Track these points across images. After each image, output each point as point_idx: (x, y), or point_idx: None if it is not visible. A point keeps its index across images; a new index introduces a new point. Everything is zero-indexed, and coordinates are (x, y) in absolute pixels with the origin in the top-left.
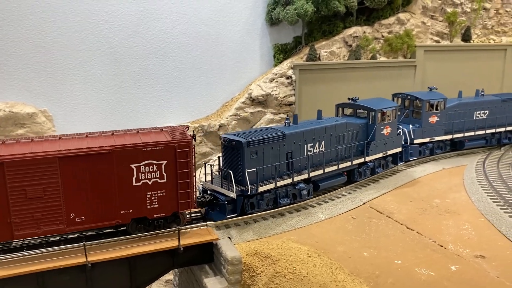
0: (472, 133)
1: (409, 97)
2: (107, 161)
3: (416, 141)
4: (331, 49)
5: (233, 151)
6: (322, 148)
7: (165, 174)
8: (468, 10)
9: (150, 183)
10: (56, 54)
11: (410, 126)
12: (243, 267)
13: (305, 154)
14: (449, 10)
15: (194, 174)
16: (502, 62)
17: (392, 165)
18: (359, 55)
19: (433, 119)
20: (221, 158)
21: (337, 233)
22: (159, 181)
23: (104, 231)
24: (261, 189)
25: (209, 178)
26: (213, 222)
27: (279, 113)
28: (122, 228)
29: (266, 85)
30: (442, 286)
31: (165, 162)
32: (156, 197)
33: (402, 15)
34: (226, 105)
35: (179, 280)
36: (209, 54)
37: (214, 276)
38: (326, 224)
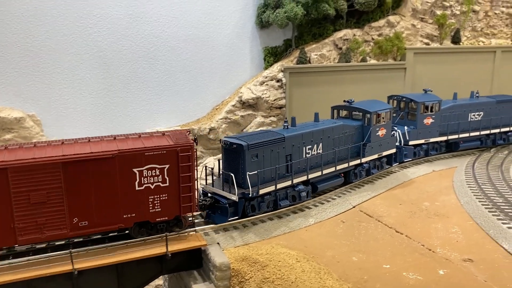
0: (466, 135)
1: (404, 99)
2: (110, 165)
3: (411, 143)
4: (321, 52)
5: (234, 154)
6: (320, 150)
7: (167, 178)
8: (458, 12)
9: (152, 187)
10: (44, 58)
11: (405, 127)
12: (232, 273)
13: (304, 156)
14: (438, 12)
15: (196, 177)
16: (491, 64)
17: (387, 166)
18: (349, 58)
19: (428, 120)
20: (221, 161)
21: (326, 237)
22: (162, 185)
23: (92, 238)
24: (262, 191)
25: (209, 181)
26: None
27: (270, 116)
28: (110, 235)
29: (256, 88)
30: None
31: (167, 166)
32: (158, 201)
33: (392, 18)
34: (216, 109)
35: (169, 285)
36: (199, 57)
37: (202, 282)
38: (316, 228)
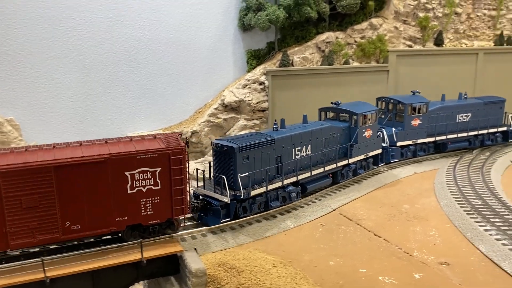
0: (454, 136)
1: (392, 100)
2: (102, 169)
3: (398, 144)
4: (304, 55)
5: (225, 156)
6: (308, 151)
7: (159, 181)
8: (440, 15)
9: (144, 190)
10: (22, 62)
11: (393, 129)
12: (208, 279)
13: (293, 158)
14: (421, 15)
15: (187, 180)
16: (474, 66)
17: (374, 167)
18: (332, 61)
19: (416, 122)
20: (212, 163)
21: (305, 241)
22: (154, 188)
23: (67, 244)
24: (253, 193)
25: (200, 183)
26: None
27: (253, 119)
28: (85, 241)
29: (239, 91)
30: None
31: (159, 169)
32: (150, 204)
33: (374, 20)
34: (199, 112)
35: None
36: (181, 60)
37: None
38: (295, 232)
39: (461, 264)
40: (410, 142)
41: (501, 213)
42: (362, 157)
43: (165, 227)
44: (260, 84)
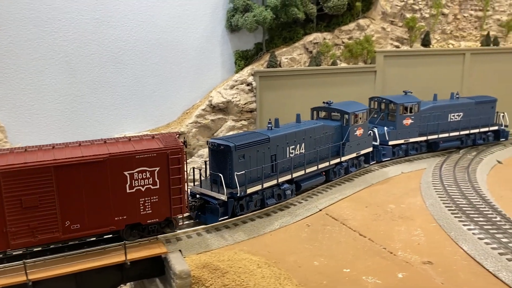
0: (446, 135)
1: (384, 100)
2: (101, 169)
3: (390, 143)
4: (292, 56)
5: (221, 155)
6: (302, 149)
7: (157, 181)
8: (427, 15)
9: (143, 189)
10: (8, 63)
11: (385, 128)
12: (192, 280)
13: (288, 156)
14: (408, 15)
15: (185, 179)
16: (461, 66)
17: (365, 165)
18: (320, 62)
19: (407, 121)
20: (208, 162)
21: (290, 242)
22: (152, 187)
23: (51, 247)
24: (249, 191)
25: (197, 182)
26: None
27: (240, 120)
28: (70, 243)
29: (226, 92)
30: None
31: (157, 168)
32: (149, 203)
33: (362, 21)
34: (187, 113)
35: None
36: (168, 61)
37: None
38: (280, 233)
39: (444, 263)
40: (402, 141)
41: (484, 212)
42: (354, 155)
43: (164, 226)
44: (248, 85)
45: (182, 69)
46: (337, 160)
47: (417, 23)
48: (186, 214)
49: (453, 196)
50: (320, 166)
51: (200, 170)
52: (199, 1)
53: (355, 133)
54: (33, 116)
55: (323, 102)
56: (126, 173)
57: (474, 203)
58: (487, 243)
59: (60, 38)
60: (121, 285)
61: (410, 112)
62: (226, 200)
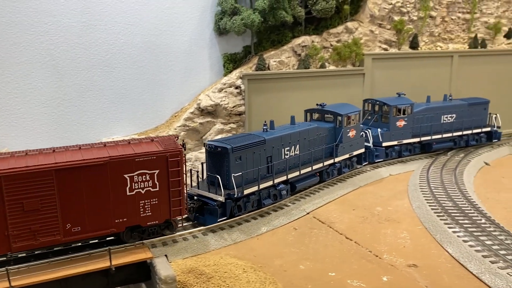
0: (439, 136)
1: (378, 102)
2: (101, 172)
3: (384, 144)
4: (280, 59)
5: (218, 157)
6: (297, 151)
7: (157, 183)
8: (415, 18)
9: (143, 192)
10: None
11: (379, 129)
12: (178, 285)
13: (283, 158)
14: (396, 18)
15: (185, 181)
16: (449, 68)
17: (358, 166)
18: (308, 64)
19: (401, 123)
20: (205, 164)
21: (276, 246)
22: (152, 189)
23: (36, 253)
24: (246, 192)
25: (194, 184)
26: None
27: (229, 123)
28: (55, 249)
29: (215, 95)
30: None
31: (157, 171)
32: (149, 205)
33: (350, 24)
34: (175, 116)
35: None
36: (157, 64)
37: None
38: (267, 237)
39: (429, 266)
40: (395, 143)
41: (470, 214)
42: (347, 156)
43: (163, 228)
44: (236, 88)
45: (170, 72)
46: (331, 161)
47: (405, 26)
48: (184, 216)
49: (439, 199)
50: (315, 167)
51: (197, 171)
52: (187, 4)
53: (348, 135)
54: (19, 120)
55: (317, 104)
56: (126, 176)
57: (460, 205)
58: (471, 246)
59: (47, 42)
60: None
61: (404, 114)
62: (224, 201)
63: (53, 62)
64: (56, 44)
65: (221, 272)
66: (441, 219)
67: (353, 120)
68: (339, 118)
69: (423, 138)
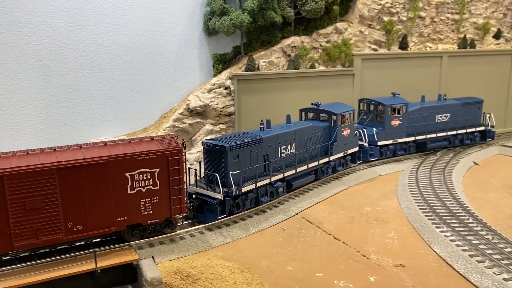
0: (434, 135)
1: (373, 102)
2: (103, 170)
3: (379, 143)
4: (270, 59)
5: (216, 155)
6: (293, 149)
7: (158, 182)
8: (404, 18)
9: (144, 190)
10: None
11: (374, 129)
12: (164, 287)
13: (279, 156)
14: (385, 19)
15: (185, 180)
16: (438, 69)
17: (352, 164)
18: (298, 65)
19: (396, 122)
20: (203, 162)
21: (264, 247)
22: (153, 188)
23: (20, 255)
24: (244, 189)
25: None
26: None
27: (219, 123)
28: (40, 251)
29: (204, 96)
30: None
31: (158, 170)
32: (150, 204)
33: (339, 25)
34: (164, 117)
35: None
36: (146, 65)
37: None
38: (255, 238)
39: (416, 266)
40: (390, 142)
41: (457, 214)
42: (341, 154)
43: (164, 226)
44: (226, 88)
45: (159, 73)
46: (326, 160)
47: (395, 26)
48: (183, 215)
49: (428, 199)
50: (310, 165)
51: (195, 170)
52: (176, 5)
53: (343, 133)
54: (6, 121)
55: (312, 104)
56: (127, 174)
57: (448, 205)
58: (458, 245)
59: (34, 42)
60: None
61: (398, 113)
62: (222, 198)
63: (40, 63)
64: (43, 44)
65: (207, 274)
66: (429, 219)
67: (347, 119)
68: (334, 117)
69: (418, 137)
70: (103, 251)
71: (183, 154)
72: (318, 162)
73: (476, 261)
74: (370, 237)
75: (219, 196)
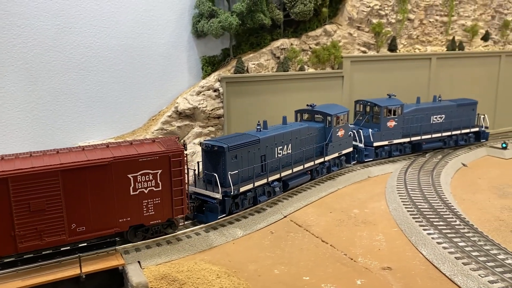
0: (429, 136)
1: (369, 103)
2: (106, 172)
3: (375, 144)
4: (259, 61)
5: (215, 156)
6: (289, 150)
7: (160, 183)
8: (393, 21)
9: (146, 191)
10: None
11: (370, 130)
12: None
13: (276, 156)
14: (374, 21)
15: (186, 181)
16: (427, 70)
17: (347, 165)
18: (287, 67)
19: (391, 123)
20: (201, 163)
21: (252, 250)
22: (155, 189)
23: (5, 261)
24: (242, 189)
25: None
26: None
27: (208, 126)
28: (25, 257)
29: (193, 98)
30: None
31: (160, 171)
32: (152, 205)
33: (329, 27)
34: (153, 119)
35: None
36: (134, 67)
37: None
38: (243, 241)
39: (403, 268)
40: (386, 143)
41: (444, 216)
42: (336, 155)
43: (166, 227)
44: (215, 91)
45: (148, 75)
46: (321, 160)
47: (384, 29)
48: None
49: (415, 201)
50: (306, 165)
51: (194, 170)
52: (165, 7)
53: (337, 134)
54: None
55: (307, 105)
56: (130, 175)
57: (436, 207)
58: (445, 248)
59: (20, 45)
60: None
61: (394, 114)
62: (221, 198)
63: (26, 66)
64: (30, 47)
65: (194, 278)
66: (416, 221)
67: (341, 120)
68: (329, 118)
69: (413, 138)
70: (89, 256)
71: (185, 155)
72: (314, 162)
73: (462, 263)
74: (358, 240)
75: (218, 196)
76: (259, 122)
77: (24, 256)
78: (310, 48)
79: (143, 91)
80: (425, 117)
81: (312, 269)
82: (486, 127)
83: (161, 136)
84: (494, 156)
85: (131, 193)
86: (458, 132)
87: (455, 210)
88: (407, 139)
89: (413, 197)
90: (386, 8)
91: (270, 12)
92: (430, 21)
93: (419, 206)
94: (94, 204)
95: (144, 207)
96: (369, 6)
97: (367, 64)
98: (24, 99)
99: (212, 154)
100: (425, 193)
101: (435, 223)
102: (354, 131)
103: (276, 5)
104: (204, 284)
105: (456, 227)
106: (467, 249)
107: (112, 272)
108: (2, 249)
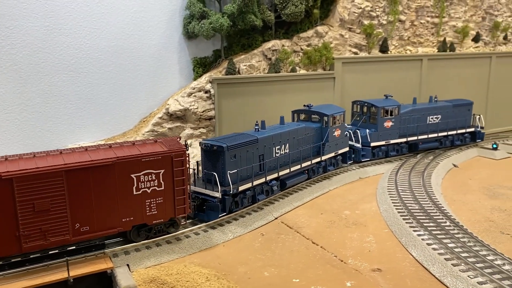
0: (425, 136)
1: (366, 104)
2: (109, 172)
3: (372, 144)
4: (251, 63)
5: (214, 155)
6: (287, 149)
7: (162, 182)
8: (385, 22)
9: (149, 191)
10: None
11: (367, 130)
12: None
13: (274, 156)
14: (366, 22)
15: (188, 181)
16: (418, 72)
17: (343, 164)
18: (279, 68)
19: (388, 124)
20: (201, 162)
21: (242, 253)
22: (157, 189)
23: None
24: (241, 188)
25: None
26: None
27: (199, 128)
28: (13, 260)
29: (184, 100)
30: None
31: (162, 171)
32: (154, 204)
33: (320, 28)
34: (143, 121)
35: None
36: (124, 69)
37: None
38: (234, 243)
39: (393, 270)
40: (383, 143)
41: (435, 217)
42: (333, 154)
43: (168, 226)
44: (206, 92)
45: (139, 77)
46: (318, 159)
47: (375, 30)
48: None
49: (406, 202)
50: (303, 165)
51: (193, 169)
52: (155, 8)
53: (334, 134)
54: None
55: (304, 105)
56: (133, 175)
57: (426, 208)
58: (434, 249)
59: (8, 46)
60: None
61: (391, 115)
62: (220, 197)
63: (15, 67)
64: (18, 48)
65: (183, 282)
66: (406, 222)
67: (338, 120)
68: (325, 118)
69: (409, 139)
70: (77, 259)
71: (187, 155)
72: (311, 162)
73: (452, 264)
74: (348, 241)
75: (218, 195)
76: (257, 122)
77: (31, 256)
78: (301, 49)
79: (134, 93)
80: (421, 118)
81: (302, 271)
82: (482, 127)
83: (151, 138)
84: (485, 157)
85: (134, 192)
86: (454, 132)
87: (445, 211)
88: (404, 139)
89: (403, 198)
90: (377, 10)
91: (261, 13)
92: (421, 23)
93: (409, 207)
94: (97, 204)
95: (147, 206)
96: (360, 8)
97: (358, 65)
98: (13, 101)
99: (211, 153)
100: (416, 194)
101: (425, 224)
102: (351, 131)
103: (267, 6)
104: (194, 287)
105: (446, 228)
106: (456, 250)
107: (101, 276)
108: (7, 249)
